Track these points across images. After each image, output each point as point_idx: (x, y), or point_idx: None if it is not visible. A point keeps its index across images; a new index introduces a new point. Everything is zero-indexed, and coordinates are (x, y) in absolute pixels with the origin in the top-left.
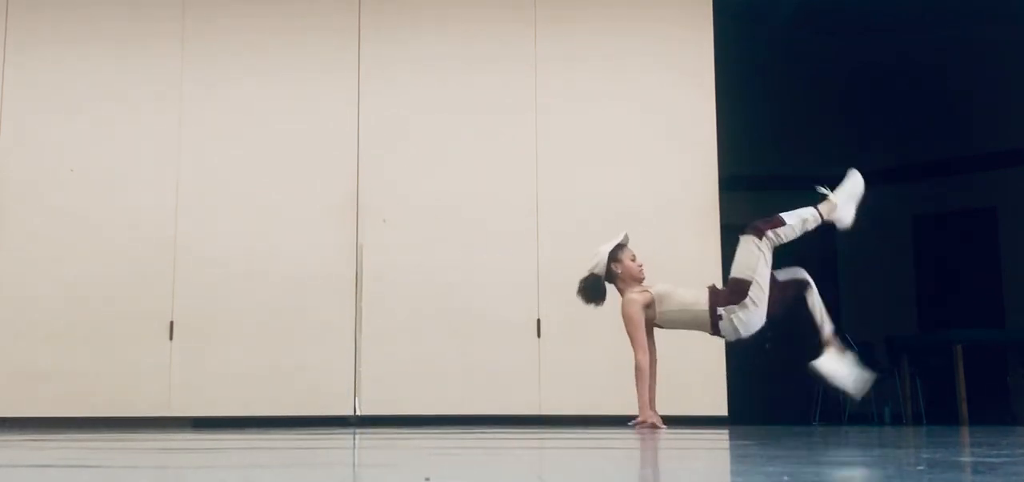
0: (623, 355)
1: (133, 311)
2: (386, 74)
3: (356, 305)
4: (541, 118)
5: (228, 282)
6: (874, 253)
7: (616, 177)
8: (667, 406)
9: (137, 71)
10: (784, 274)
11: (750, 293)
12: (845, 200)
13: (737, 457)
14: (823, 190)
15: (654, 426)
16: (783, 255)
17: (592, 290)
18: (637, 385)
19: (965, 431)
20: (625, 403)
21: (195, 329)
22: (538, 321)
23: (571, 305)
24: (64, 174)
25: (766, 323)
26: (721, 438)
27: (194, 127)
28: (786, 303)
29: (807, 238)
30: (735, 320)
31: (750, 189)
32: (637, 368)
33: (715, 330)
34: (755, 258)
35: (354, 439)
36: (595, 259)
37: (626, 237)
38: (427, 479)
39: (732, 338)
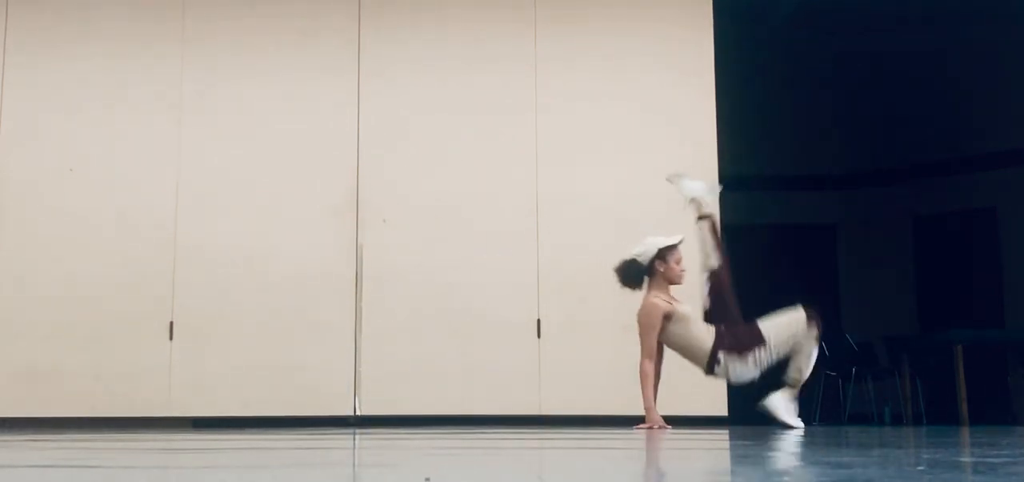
0: (623, 355)
1: (133, 311)
2: (386, 74)
3: (356, 305)
4: (541, 118)
5: (228, 282)
6: (874, 253)
7: (616, 177)
8: (667, 406)
9: (137, 71)
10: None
11: (757, 352)
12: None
13: (737, 457)
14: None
15: (660, 428)
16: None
17: (630, 275)
18: (642, 389)
19: (965, 431)
20: (625, 403)
21: (195, 329)
22: (538, 321)
23: (571, 305)
24: (64, 174)
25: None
26: (721, 438)
27: (194, 127)
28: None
29: (808, 240)
30: (730, 368)
31: (750, 189)
32: (642, 373)
33: (709, 370)
34: (789, 336)
35: (354, 439)
36: (642, 248)
37: (681, 241)
38: (427, 479)
39: (720, 378)
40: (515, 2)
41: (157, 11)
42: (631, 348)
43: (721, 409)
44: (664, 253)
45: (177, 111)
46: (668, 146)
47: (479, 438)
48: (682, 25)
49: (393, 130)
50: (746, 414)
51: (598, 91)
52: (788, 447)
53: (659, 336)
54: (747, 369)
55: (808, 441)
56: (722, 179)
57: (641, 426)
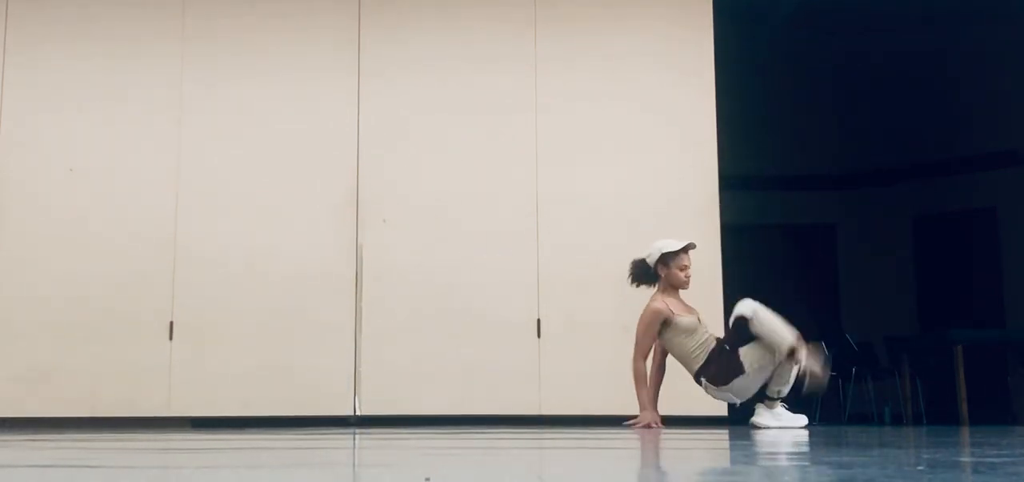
0: (623, 355)
1: (133, 311)
2: (386, 74)
3: (356, 305)
4: (541, 118)
5: (228, 282)
6: (874, 253)
7: (616, 177)
8: (667, 406)
9: (137, 71)
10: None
11: (736, 382)
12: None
13: (737, 457)
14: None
15: (649, 426)
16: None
17: (639, 275)
18: (635, 387)
19: (965, 431)
20: (625, 403)
21: (195, 329)
22: (538, 321)
23: (571, 305)
24: (64, 174)
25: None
26: (721, 438)
27: (194, 127)
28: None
29: (808, 240)
30: (710, 390)
31: (750, 189)
32: (634, 371)
33: (696, 381)
34: (769, 363)
35: (354, 439)
36: (649, 251)
37: (688, 246)
38: (427, 479)
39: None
40: (515, 2)
41: (157, 11)
42: (631, 348)
43: (721, 409)
44: (666, 258)
45: (177, 111)
46: (668, 146)
47: (479, 438)
48: (682, 25)
49: (393, 130)
50: (746, 414)
51: (598, 91)
52: (788, 447)
53: (659, 337)
54: (726, 394)
55: (808, 441)
56: (722, 179)
57: (632, 422)
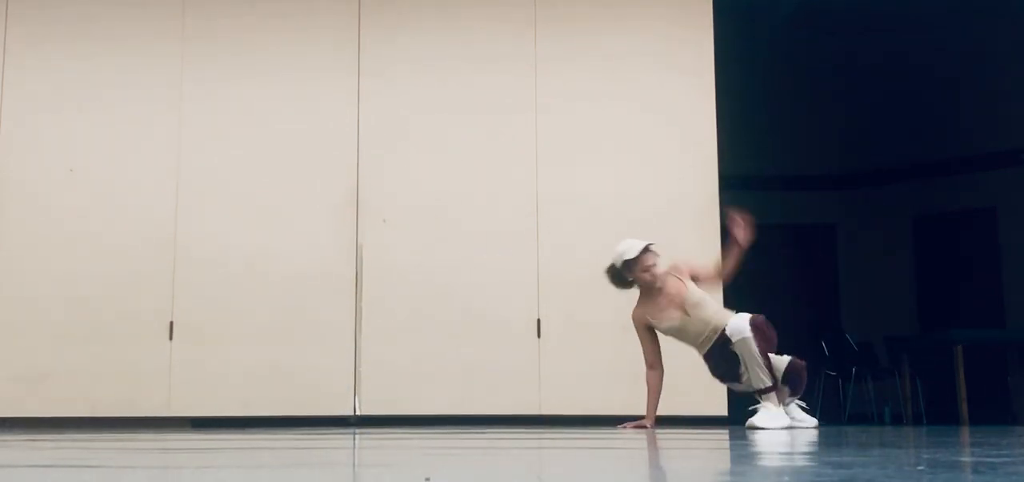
0: (623, 355)
1: (133, 311)
2: (386, 74)
3: (356, 305)
4: (541, 118)
5: (228, 282)
6: (874, 253)
7: (616, 177)
8: (667, 406)
9: (137, 71)
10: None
11: (734, 385)
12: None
13: (737, 457)
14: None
15: (638, 427)
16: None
17: (614, 280)
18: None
19: (965, 431)
20: (625, 403)
21: (195, 329)
22: (538, 321)
23: (571, 305)
24: (64, 174)
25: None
26: (721, 438)
27: (194, 127)
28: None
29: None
30: (715, 376)
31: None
32: (647, 380)
33: (705, 360)
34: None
35: (354, 439)
36: (613, 258)
37: (642, 250)
38: (427, 479)
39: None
40: (515, 2)
41: (157, 10)
42: (631, 348)
43: (721, 409)
44: (629, 264)
45: (177, 111)
46: (668, 146)
47: (479, 438)
48: (682, 25)
49: (393, 130)
50: (746, 414)
51: (598, 91)
52: (788, 447)
53: (660, 329)
54: (733, 385)
55: (808, 441)
56: (722, 179)
57: (627, 425)
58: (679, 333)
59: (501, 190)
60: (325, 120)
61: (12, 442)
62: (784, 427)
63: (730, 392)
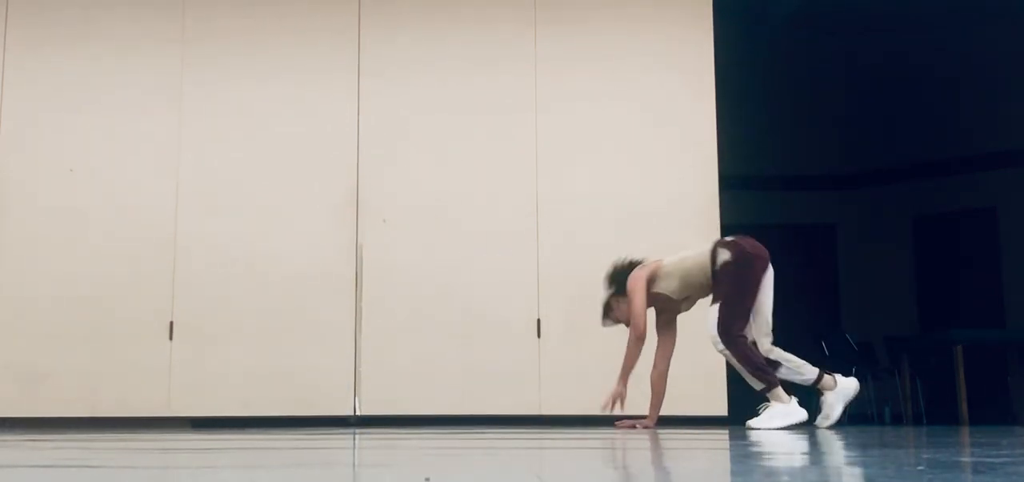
0: (623, 355)
1: (133, 311)
2: (386, 74)
3: (356, 305)
4: (541, 118)
5: (228, 282)
6: (874, 253)
7: (616, 177)
8: (667, 406)
9: (137, 71)
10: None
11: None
12: (837, 398)
13: (737, 457)
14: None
15: (633, 426)
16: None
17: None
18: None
19: (965, 431)
20: (625, 403)
21: (195, 329)
22: (538, 321)
23: (571, 305)
24: (64, 174)
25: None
26: (721, 438)
27: (194, 127)
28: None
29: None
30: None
31: (750, 189)
32: (627, 345)
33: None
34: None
35: (354, 439)
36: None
37: (609, 294)
38: (427, 479)
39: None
40: (515, 2)
41: (157, 11)
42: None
43: (721, 409)
44: (609, 306)
45: (177, 111)
46: (668, 146)
47: (479, 438)
48: (682, 25)
49: (393, 130)
50: (746, 414)
51: (598, 91)
52: (788, 447)
53: (666, 297)
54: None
55: (808, 441)
56: (722, 179)
57: (623, 423)
58: (682, 288)
59: (501, 190)
60: (325, 120)
61: (12, 442)
62: (784, 427)
63: (729, 392)
